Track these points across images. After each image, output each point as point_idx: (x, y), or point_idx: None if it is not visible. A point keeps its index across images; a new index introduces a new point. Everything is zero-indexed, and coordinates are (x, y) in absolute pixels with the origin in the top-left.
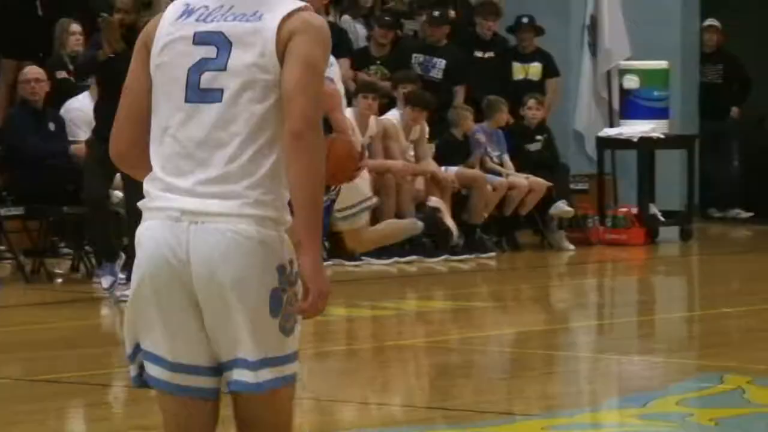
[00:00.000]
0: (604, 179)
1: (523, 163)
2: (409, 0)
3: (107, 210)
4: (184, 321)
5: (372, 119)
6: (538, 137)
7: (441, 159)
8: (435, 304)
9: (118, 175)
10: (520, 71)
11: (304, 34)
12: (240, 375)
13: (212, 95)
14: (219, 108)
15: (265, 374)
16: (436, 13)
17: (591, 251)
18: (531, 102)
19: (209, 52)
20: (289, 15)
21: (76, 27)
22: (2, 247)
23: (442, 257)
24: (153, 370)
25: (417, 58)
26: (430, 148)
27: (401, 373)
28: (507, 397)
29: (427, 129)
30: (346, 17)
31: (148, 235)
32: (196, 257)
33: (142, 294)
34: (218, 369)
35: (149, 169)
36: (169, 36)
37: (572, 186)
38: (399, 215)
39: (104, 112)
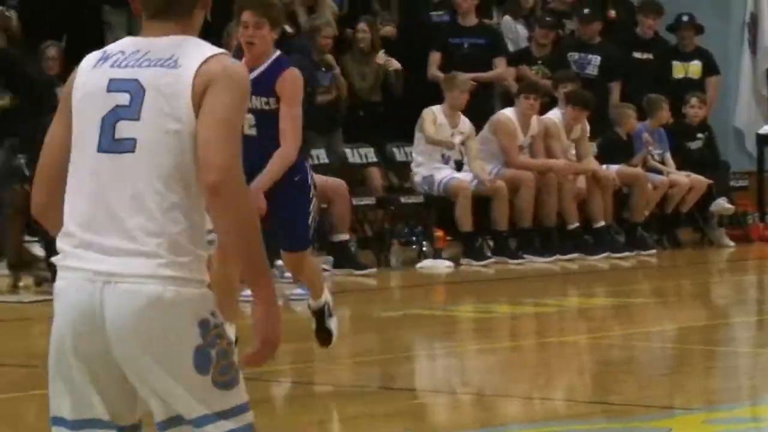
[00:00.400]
0: (765, 176)
1: (683, 161)
2: (572, 1)
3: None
4: (107, 380)
5: (534, 119)
6: (699, 135)
7: (603, 157)
8: (596, 301)
9: None
10: (680, 70)
11: (219, 85)
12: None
13: (125, 145)
14: (131, 159)
15: (212, 429)
16: (586, 11)
17: (751, 248)
18: (693, 100)
19: (123, 99)
20: (206, 61)
21: None
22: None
23: (604, 254)
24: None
25: (572, 56)
26: (591, 147)
27: (563, 369)
28: (668, 392)
29: (588, 128)
30: (507, 18)
31: (62, 294)
32: (111, 319)
33: (57, 354)
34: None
35: (61, 224)
36: (85, 85)
37: (732, 183)
38: (560, 213)
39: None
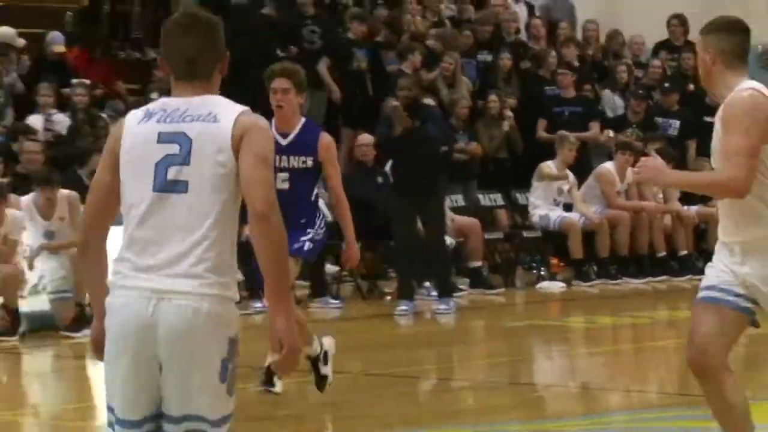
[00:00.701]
0: None
1: None
2: (658, 77)
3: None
4: (145, 380)
5: (629, 170)
6: None
7: (684, 200)
8: (681, 314)
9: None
10: None
11: (253, 133)
12: (199, 427)
13: (178, 186)
14: (185, 198)
15: (204, 427)
16: (667, 85)
17: None
18: None
19: (173, 149)
20: (239, 116)
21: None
22: (345, 273)
23: (687, 277)
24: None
25: (658, 120)
26: (675, 192)
27: (654, 368)
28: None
29: None
30: (606, 91)
31: (119, 304)
32: (162, 330)
33: (111, 356)
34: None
35: (104, 256)
36: (135, 137)
37: None
38: (651, 244)
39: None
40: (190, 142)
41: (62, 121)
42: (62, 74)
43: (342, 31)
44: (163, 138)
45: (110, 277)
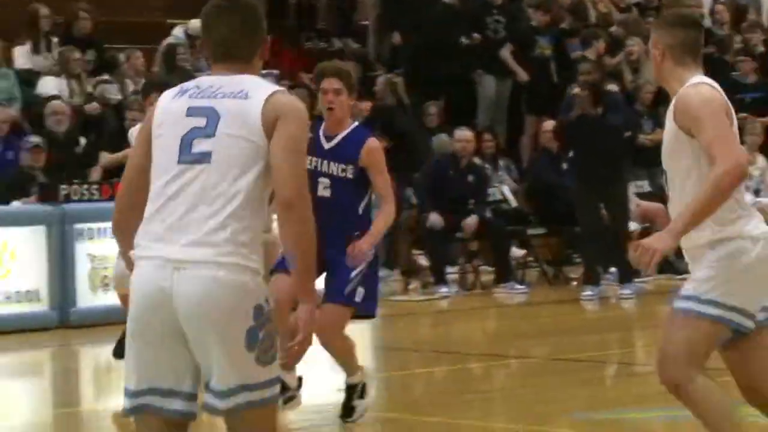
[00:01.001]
0: None
1: None
2: None
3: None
4: (170, 350)
5: None
6: None
7: None
8: None
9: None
10: None
11: (288, 117)
12: (210, 399)
13: (202, 158)
14: (207, 170)
15: (239, 398)
16: None
17: None
18: None
19: (200, 122)
20: (272, 95)
21: None
22: (531, 258)
23: None
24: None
25: None
26: None
27: None
28: None
29: None
30: None
31: (139, 275)
32: (179, 299)
33: (133, 329)
34: (192, 394)
35: (134, 234)
36: (166, 113)
37: None
38: None
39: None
40: (217, 117)
41: None
42: None
43: (525, 20)
44: (191, 112)
45: (134, 249)
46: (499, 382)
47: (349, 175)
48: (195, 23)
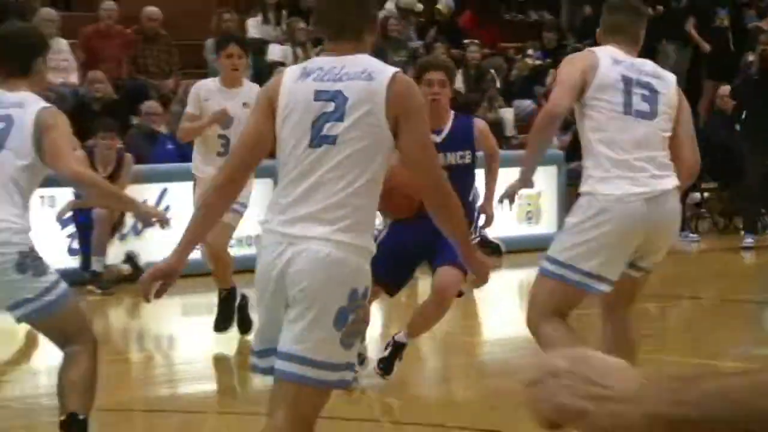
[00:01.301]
0: None
1: None
2: None
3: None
4: (274, 319)
5: None
6: None
7: None
8: None
9: None
10: None
11: (413, 111)
12: (280, 365)
13: (331, 140)
14: (333, 150)
15: (303, 370)
16: None
17: None
18: None
19: (329, 106)
20: (393, 77)
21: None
22: (703, 210)
23: None
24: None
25: None
26: None
27: None
28: None
29: None
30: None
31: (261, 248)
32: (291, 272)
33: (257, 297)
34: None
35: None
36: (292, 95)
37: None
38: None
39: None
40: (345, 100)
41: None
42: (453, 35)
43: None
44: (320, 96)
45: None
46: (673, 321)
47: (467, 160)
48: None
